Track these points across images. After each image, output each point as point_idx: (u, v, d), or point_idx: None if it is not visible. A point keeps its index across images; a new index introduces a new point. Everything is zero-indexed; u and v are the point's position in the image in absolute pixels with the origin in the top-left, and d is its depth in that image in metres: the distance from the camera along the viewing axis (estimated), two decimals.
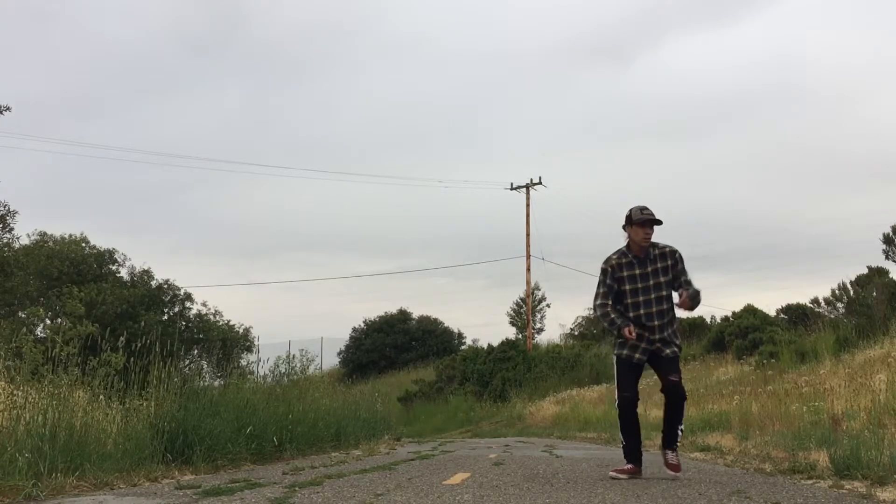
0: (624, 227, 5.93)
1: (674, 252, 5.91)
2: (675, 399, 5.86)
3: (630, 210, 5.88)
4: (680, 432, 5.98)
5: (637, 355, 5.85)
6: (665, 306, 5.83)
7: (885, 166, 65.98)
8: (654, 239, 5.90)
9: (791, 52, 73.21)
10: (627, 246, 5.93)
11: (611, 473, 5.92)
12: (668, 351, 5.81)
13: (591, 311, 5.93)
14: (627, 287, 5.84)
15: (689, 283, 5.85)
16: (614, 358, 5.99)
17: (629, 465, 5.93)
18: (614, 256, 5.94)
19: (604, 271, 5.94)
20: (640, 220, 5.79)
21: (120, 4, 70.71)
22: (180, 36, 75.84)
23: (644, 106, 74.09)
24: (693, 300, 5.74)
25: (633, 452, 5.97)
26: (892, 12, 67.51)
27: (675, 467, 5.86)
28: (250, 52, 77.93)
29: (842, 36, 71.67)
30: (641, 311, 5.80)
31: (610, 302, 5.89)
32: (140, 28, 70.49)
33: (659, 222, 5.83)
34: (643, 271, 5.84)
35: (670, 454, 5.89)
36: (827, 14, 74.01)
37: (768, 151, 73.24)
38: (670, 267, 5.86)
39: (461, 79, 79.14)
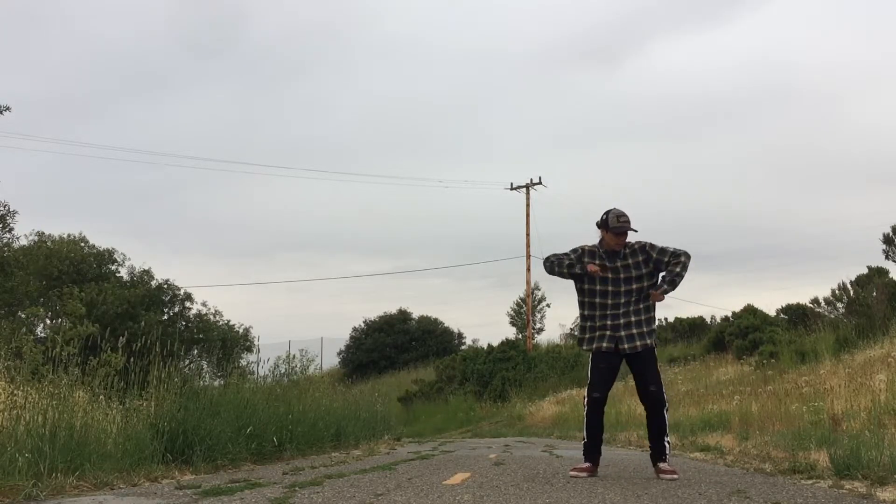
0: (598, 227, 6.01)
1: (643, 246, 5.94)
2: (654, 408, 5.90)
3: (607, 214, 5.91)
4: (667, 444, 5.92)
5: (605, 344, 5.86)
6: (633, 306, 5.86)
7: (885, 166, 66.04)
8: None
9: (790, 52, 73.29)
10: (600, 243, 6.01)
11: (571, 473, 5.93)
12: (638, 343, 5.84)
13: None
14: (596, 286, 5.91)
15: (675, 254, 5.87)
16: (590, 355, 6.01)
17: (588, 464, 5.98)
18: (587, 246, 6.03)
19: (574, 249, 6.04)
20: (617, 230, 5.86)
21: (120, 5, 70.77)
22: (179, 36, 75.93)
23: (644, 106, 74.18)
24: (672, 284, 5.83)
25: (593, 451, 6.03)
26: (886, 12, 67.51)
27: (671, 472, 5.77)
28: (249, 52, 78.01)
29: (840, 36, 71.69)
30: (608, 311, 5.87)
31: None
32: (140, 28, 70.58)
33: (634, 231, 5.89)
34: (612, 265, 5.89)
35: (662, 465, 5.86)
36: (826, 13, 74.03)
37: (767, 151, 73.32)
38: (645, 261, 5.90)
39: (461, 79, 79.23)
